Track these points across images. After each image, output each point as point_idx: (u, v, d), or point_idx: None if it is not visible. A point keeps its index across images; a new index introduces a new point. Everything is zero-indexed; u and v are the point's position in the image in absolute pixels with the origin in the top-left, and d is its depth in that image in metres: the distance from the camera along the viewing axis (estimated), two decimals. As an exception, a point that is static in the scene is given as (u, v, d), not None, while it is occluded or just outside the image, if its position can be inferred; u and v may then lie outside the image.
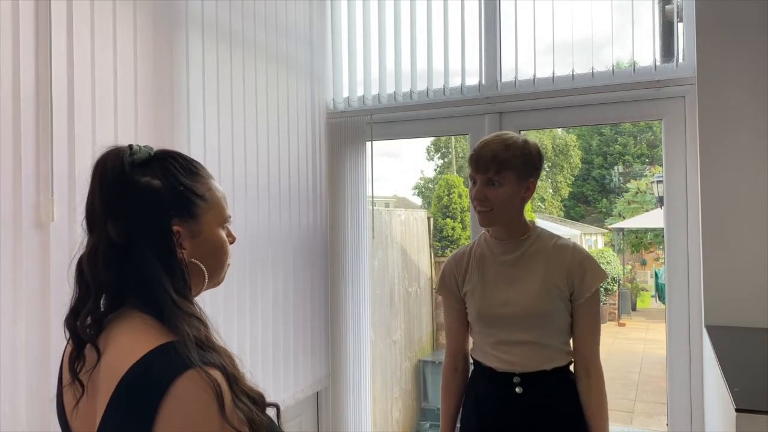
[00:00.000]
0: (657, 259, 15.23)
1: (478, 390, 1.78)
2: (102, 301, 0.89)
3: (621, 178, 19.36)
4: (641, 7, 2.48)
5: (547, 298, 1.67)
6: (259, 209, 2.44)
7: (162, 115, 1.97)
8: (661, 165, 2.64)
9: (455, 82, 2.78)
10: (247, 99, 2.41)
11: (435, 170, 20.48)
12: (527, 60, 2.63)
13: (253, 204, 2.41)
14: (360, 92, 2.99)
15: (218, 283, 1.01)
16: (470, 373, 1.85)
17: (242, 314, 2.32)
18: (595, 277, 1.68)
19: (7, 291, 1.44)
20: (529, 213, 1.99)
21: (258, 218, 2.43)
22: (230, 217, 1.00)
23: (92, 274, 0.88)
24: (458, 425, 1.86)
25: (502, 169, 1.63)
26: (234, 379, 0.83)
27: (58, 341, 1.55)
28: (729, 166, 2.20)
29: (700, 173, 2.25)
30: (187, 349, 0.81)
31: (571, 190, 20.33)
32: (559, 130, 18.94)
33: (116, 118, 1.78)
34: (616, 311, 11.63)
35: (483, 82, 2.72)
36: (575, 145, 20.05)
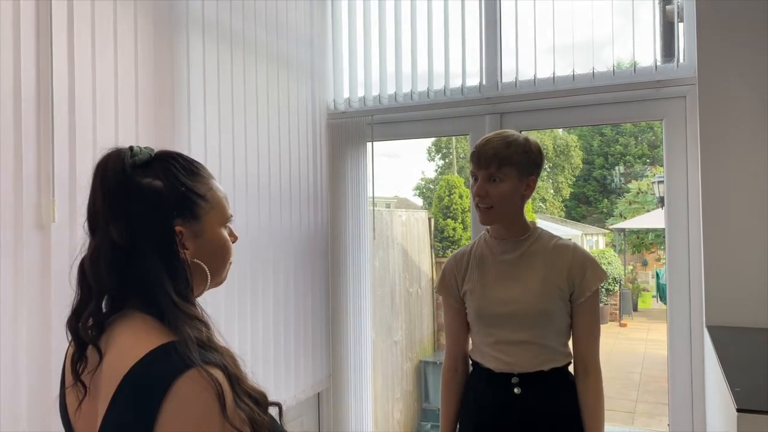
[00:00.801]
0: (658, 260, 15.21)
1: (476, 391, 1.78)
2: (104, 303, 0.89)
3: (622, 179, 19.35)
4: (642, 8, 2.48)
5: (546, 298, 1.67)
6: (259, 210, 2.44)
7: (163, 115, 1.97)
8: (662, 165, 2.64)
9: (456, 82, 2.78)
10: (248, 99, 2.41)
11: (436, 171, 20.48)
12: (528, 60, 2.63)
13: (254, 205, 2.41)
14: (361, 93, 2.99)
15: (220, 283, 1.01)
16: (469, 374, 1.85)
17: (243, 315, 2.32)
18: (595, 277, 1.68)
19: (8, 292, 1.45)
20: (530, 214, 1.99)
21: (259, 219, 2.43)
22: (232, 216, 1.00)
23: (94, 275, 0.88)
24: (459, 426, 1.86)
25: (503, 165, 1.64)
26: (236, 379, 0.83)
27: (59, 342, 1.55)
28: (730, 166, 2.20)
29: (701, 173, 2.24)
30: (189, 349, 0.81)
31: (572, 190, 20.31)
32: (560, 130, 18.94)
33: (117, 119, 1.79)
34: (618, 312, 11.62)
35: (484, 82, 2.72)
36: (576, 146, 20.04)
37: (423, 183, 20.12)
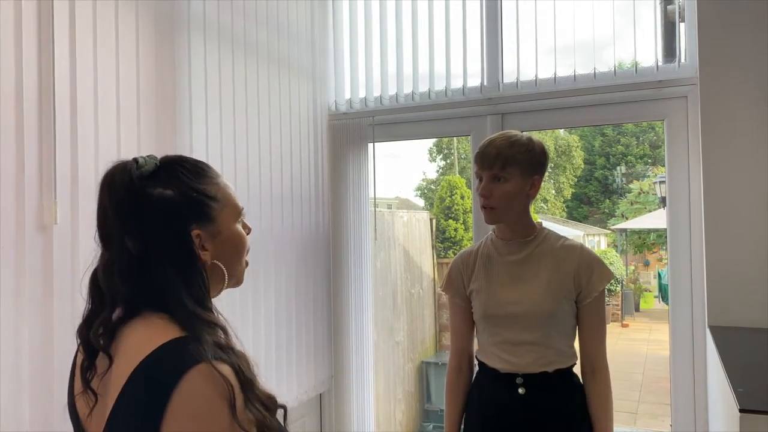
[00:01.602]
0: (660, 260, 15.19)
1: (481, 391, 1.79)
2: (116, 312, 0.89)
3: (624, 179, 19.34)
4: (643, 8, 2.48)
5: (552, 298, 1.67)
6: (261, 211, 2.44)
7: (164, 117, 1.97)
8: (663, 165, 2.64)
9: (457, 83, 2.78)
10: (249, 101, 2.41)
11: (437, 171, 20.47)
12: (529, 61, 2.63)
13: (256, 206, 2.41)
14: (362, 94, 2.99)
15: (239, 283, 1.02)
16: (474, 375, 1.85)
17: (245, 316, 2.32)
18: (602, 278, 1.69)
19: (10, 293, 1.45)
20: (532, 214, 1.98)
21: (260, 220, 2.43)
22: (243, 208, 1.01)
23: (108, 286, 0.88)
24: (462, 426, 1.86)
25: (507, 165, 1.65)
26: (249, 383, 0.83)
27: (61, 343, 1.55)
28: (732, 166, 2.19)
29: (702, 173, 2.24)
30: (200, 345, 0.82)
31: (573, 191, 20.30)
32: (562, 131, 18.93)
33: (119, 121, 1.79)
34: (620, 312, 11.61)
35: (485, 83, 2.72)
36: (578, 146, 20.03)
37: (424, 184, 20.12)
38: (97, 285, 0.90)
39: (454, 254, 8.78)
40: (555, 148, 19.30)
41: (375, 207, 3.06)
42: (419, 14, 2.86)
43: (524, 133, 1.76)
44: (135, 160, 0.91)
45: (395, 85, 2.91)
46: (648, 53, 2.45)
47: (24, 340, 1.47)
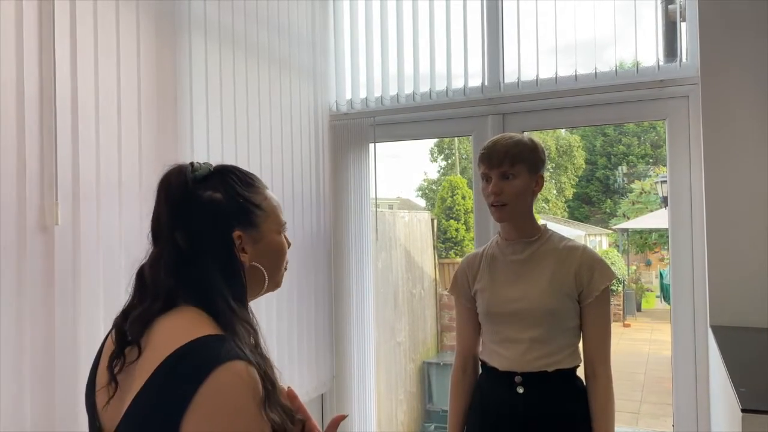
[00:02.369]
0: (662, 260, 15.18)
1: (483, 390, 1.80)
2: (154, 305, 0.92)
3: (625, 179, 19.32)
4: (644, 7, 2.48)
5: (554, 296, 1.68)
6: (262, 211, 2.44)
7: (165, 117, 1.98)
8: (665, 165, 2.63)
9: (458, 83, 2.78)
10: (250, 101, 2.41)
11: (438, 172, 20.46)
12: (530, 61, 2.63)
13: (257, 206, 2.41)
14: (363, 94, 2.99)
15: (277, 286, 1.07)
16: (479, 375, 1.86)
17: (246, 316, 2.32)
18: (603, 277, 1.69)
19: (12, 294, 1.45)
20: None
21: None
22: (285, 222, 1.07)
23: (153, 279, 0.93)
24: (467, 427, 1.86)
25: (516, 163, 1.69)
26: (272, 388, 0.86)
27: (63, 344, 1.56)
28: (733, 165, 2.19)
29: (704, 173, 2.24)
30: (236, 343, 0.85)
31: (575, 190, 20.28)
32: (563, 130, 18.91)
33: (119, 121, 1.79)
34: (621, 312, 11.59)
35: (486, 83, 2.72)
36: (579, 146, 20.01)
37: (425, 184, 20.11)
38: (142, 279, 0.95)
39: (456, 254, 8.80)
40: (556, 148, 19.29)
41: (376, 207, 3.06)
42: (420, 14, 2.86)
43: (523, 133, 1.78)
44: (191, 164, 0.98)
45: (396, 85, 2.91)
46: (649, 53, 2.45)
47: (25, 340, 1.47)
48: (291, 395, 1.02)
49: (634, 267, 15.56)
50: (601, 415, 1.68)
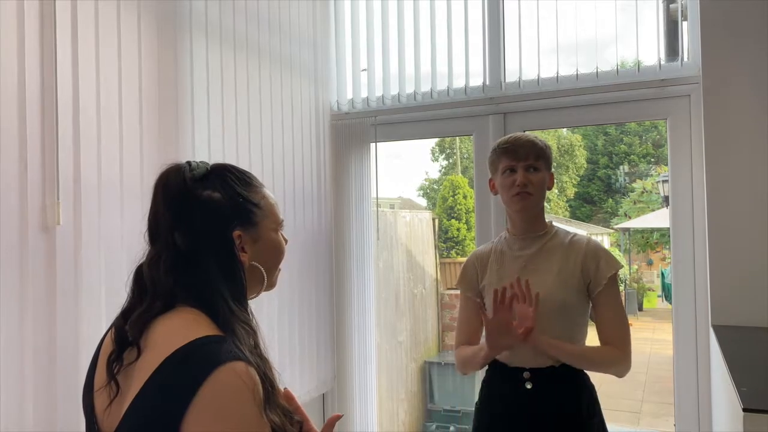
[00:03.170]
0: (663, 259, 15.16)
1: (490, 385, 1.82)
2: (154, 305, 0.92)
3: (626, 178, 19.30)
4: (645, 7, 2.47)
5: (562, 289, 1.70)
6: (263, 211, 2.44)
7: (167, 117, 1.98)
8: (666, 164, 2.63)
9: (459, 82, 2.78)
10: (251, 101, 2.41)
11: (440, 171, 20.45)
12: (531, 60, 2.63)
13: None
14: (364, 94, 2.99)
15: (272, 286, 1.06)
16: (485, 372, 1.87)
17: (248, 316, 2.32)
18: (609, 265, 1.72)
19: (14, 294, 1.45)
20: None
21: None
22: (283, 220, 1.07)
23: (152, 279, 0.92)
24: (468, 425, 1.87)
25: (539, 157, 1.77)
26: (272, 390, 0.87)
27: (64, 344, 1.56)
28: (735, 164, 2.19)
29: (705, 172, 2.24)
30: (239, 345, 0.85)
31: (576, 190, 20.26)
32: (564, 130, 18.88)
33: (121, 121, 1.79)
34: (623, 311, 11.57)
35: (487, 82, 2.72)
36: (580, 145, 19.99)
37: (427, 184, 20.11)
38: (140, 280, 0.94)
39: (457, 254, 8.79)
40: (558, 148, 19.27)
41: (377, 207, 3.06)
42: (421, 13, 2.86)
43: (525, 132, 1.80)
44: (188, 163, 0.98)
45: (397, 84, 2.91)
46: (650, 52, 2.45)
47: (27, 340, 1.48)
48: (288, 396, 1.02)
49: (636, 266, 15.55)
50: (589, 348, 1.70)
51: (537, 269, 1.75)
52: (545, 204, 1.87)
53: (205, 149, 2.13)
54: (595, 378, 1.77)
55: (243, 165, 2.40)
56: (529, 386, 1.69)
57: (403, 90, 2.89)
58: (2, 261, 1.42)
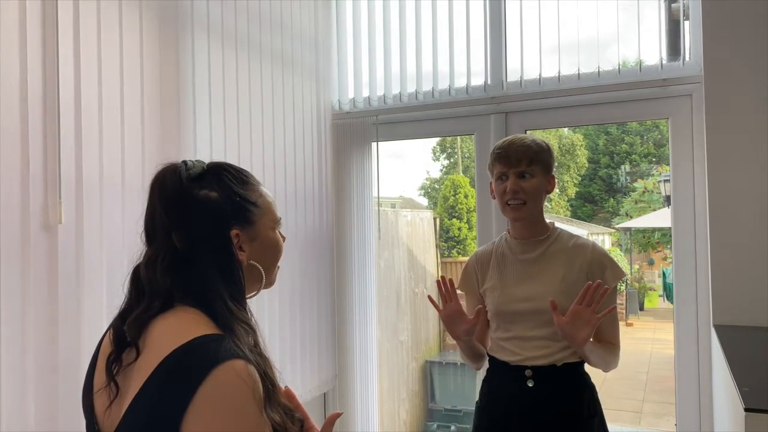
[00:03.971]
0: (665, 259, 15.15)
1: (492, 383, 1.82)
2: (152, 306, 0.91)
3: (628, 178, 19.28)
4: (647, 6, 2.47)
5: (565, 295, 1.69)
6: (265, 210, 2.44)
7: (168, 116, 1.98)
8: (667, 164, 2.63)
9: (461, 82, 2.78)
10: (253, 100, 2.41)
11: (441, 171, 20.44)
12: (533, 59, 2.63)
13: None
14: (365, 93, 2.99)
15: (271, 284, 1.07)
16: (486, 370, 1.87)
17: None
18: (614, 276, 1.73)
19: (15, 293, 1.45)
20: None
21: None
22: (280, 218, 1.06)
23: (149, 279, 0.92)
24: (469, 425, 1.87)
25: (532, 163, 1.72)
26: (272, 388, 0.87)
27: (66, 343, 1.56)
28: (736, 164, 2.18)
29: (707, 172, 2.23)
30: (237, 343, 0.85)
31: (577, 189, 20.24)
32: (566, 129, 18.87)
33: (123, 121, 1.79)
34: (624, 311, 11.57)
35: (488, 82, 2.72)
36: (581, 145, 19.97)
37: (428, 183, 20.10)
38: (137, 280, 0.94)
39: (458, 253, 8.80)
40: (559, 147, 19.26)
41: (378, 206, 3.06)
42: (422, 13, 2.86)
43: (526, 133, 1.79)
44: (184, 162, 0.97)
45: (399, 84, 2.91)
46: (652, 51, 2.45)
47: (29, 339, 1.48)
48: (289, 394, 1.02)
49: (637, 266, 15.54)
50: (603, 347, 1.71)
51: (539, 274, 1.74)
52: (546, 204, 1.87)
53: (207, 148, 2.13)
54: (597, 377, 1.77)
55: (244, 164, 2.41)
56: (530, 384, 1.70)
57: (404, 89, 2.89)
58: (4, 260, 1.42)
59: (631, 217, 15.47)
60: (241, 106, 2.34)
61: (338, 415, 1.06)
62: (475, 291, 1.87)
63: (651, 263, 16.09)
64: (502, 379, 1.78)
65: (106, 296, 1.68)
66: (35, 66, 1.53)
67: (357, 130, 2.98)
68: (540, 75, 2.62)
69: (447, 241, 8.80)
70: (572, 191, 20.03)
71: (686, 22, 2.44)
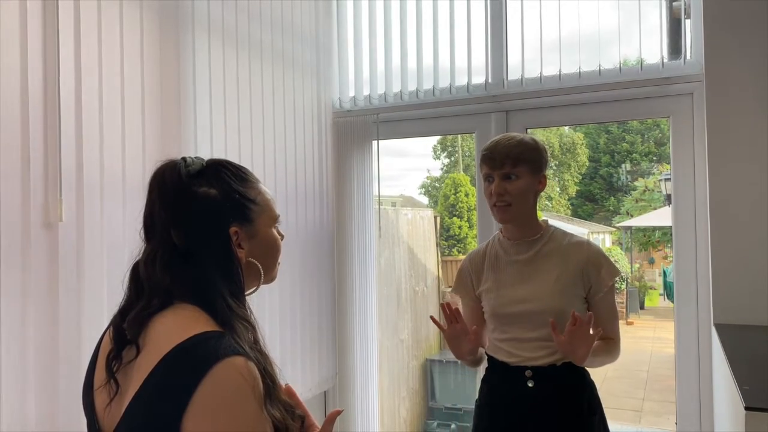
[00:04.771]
0: (665, 258, 15.16)
1: (491, 384, 1.81)
2: (151, 303, 0.91)
3: (628, 177, 19.28)
4: (648, 4, 2.47)
5: (561, 295, 1.69)
6: (265, 209, 2.44)
7: (169, 115, 1.98)
8: (668, 163, 2.63)
9: (461, 80, 2.78)
10: (253, 99, 2.41)
11: (441, 169, 20.44)
12: (534, 58, 2.62)
13: (260, 203, 2.41)
14: (366, 91, 2.99)
15: (272, 280, 1.07)
16: (485, 370, 1.87)
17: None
18: (609, 274, 1.72)
19: (16, 291, 1.45)
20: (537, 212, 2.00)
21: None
22: (279, 216, 1.06)
23: (148, 276, 0.92)
24: (470, 423, 1.87)
25: (518, 163, 1.69)
26: (273, 385, 0.87)
27: (67, 340, 1.56)
28: (737, 163, 2.18)
29: (708, 171, 2.23)
30: (238, 340, 0.85)
31: (578, 188, 20.24)
32: (566, 128, 18.87)
33: (123, 119, 1.79)
34: (624, 310, 11.57)
35: (489, 80, 2.72)
36: (582, 144, 19.97)
37: (428, 181, 20.10)
38: (136, 277, 0.94)
39: (459, 252, 8.80)
40: (560, 146, 19.25)
41: (379, 205, 3.06)
42: (423, 11, 2.86)
43: (527, 131, 1.78)
44: (183, 159, 0.97)
45: (399, 82, 2.90)
46: (653, 50, 2.44)
47: (29, 337, 1.48)
48: (289, 392, 1.02)
49: (638, 265, 15.55)
50: (607, 346, 1.72)
51: (535, 276, 1.73)
52: (547, 203, 1.86)
53: (207, 147, 2.13)
54: (597, 376, 1.77)
55: (245, 162, 2.41)
56: (531, 384, 1.69)
57: (405, 87, 2.89)
58: (4, 257, 1.42)
59: (632, 216, 15.48)
60: (241, 105, 2.34)
61: (339, 413, 1.06)
62: (471, 294, 1.87)
63: (651, 262, 16.10)
64: (501, 379, 1.77)
65: (106, 294, 1.68)
66: (36, 63, 1.53)
67: (357, 129, 2.98)
68: (541, 73, 2.61)
69: (447, 239, 8.80)
70: (573, 190, 20.03)
71: (687, 21, 2.44)
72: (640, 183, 16.71)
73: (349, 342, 2.99)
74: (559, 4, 2.57)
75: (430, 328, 5.98)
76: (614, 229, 17.17)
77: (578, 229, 12.99)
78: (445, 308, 1.71)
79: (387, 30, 2.93)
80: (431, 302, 6.12)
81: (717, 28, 2.23)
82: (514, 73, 2.69)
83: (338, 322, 3.00)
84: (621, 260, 12.74)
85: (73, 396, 1.54)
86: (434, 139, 19.64)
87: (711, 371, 2.33)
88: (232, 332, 0.87)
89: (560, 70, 2.58)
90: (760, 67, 2.16)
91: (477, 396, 1.89)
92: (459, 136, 15.69)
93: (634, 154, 19.53)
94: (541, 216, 1.86)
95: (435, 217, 6.64)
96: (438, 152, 20.44)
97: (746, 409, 1.26)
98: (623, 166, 19.67)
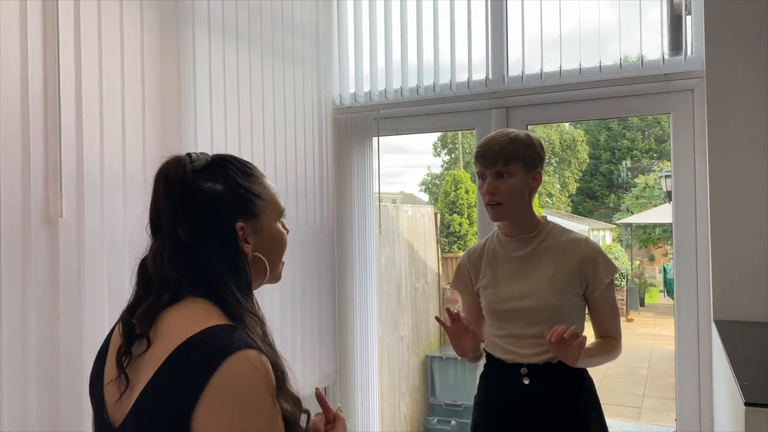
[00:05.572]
0: (665, 255, 15.16)
1: (488, 381, 1.82)
2: (161, 298, 0.91)
3: (629, 173, 19.28)
4: (649, 1, 2.46)
5: (558, 292, 1.69)
6: (266, 205, 2.44)
7: (169, 111, 1.98)
8: (669, 160, 2.63)
9: (462, 76, 2.77)
10: (254, 95, 2.41)
11: (442, 166, 20.44)
12: (534, 54, 2.62)
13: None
14: (366, 88, 2.98)
15: (277, 279, 1.07)
16: (483, 367, 1.87)
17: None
18: (607, 271, 1.71)
19: (17, 287, 1.45)
20: (537, 209, 2.00)
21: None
22: (284, 209, 1.06)
23: (157, 272, 0.92)
24: (469, 420, 1.88)
25: (510, 161, 1.67)
26: (283, 379, 0.87)
27: (67, 337, 1.56)
28: (738, 160, 2.18)
29: (708, 168, 2.23)
30: (250, 334, 0.86)
31: (578, 185, 20.24)
32: (567, 125, 18.87)
33: (124, 115, 1.79)
34: (625, 307, 11.58)
35: (490, 76, 2.71)
36: (583, 140, 19.96)
37: (429, 178, 20.10)
38: (145, 273, 0.94)
39: (459, 249, 8.79)
40: (560, 143, 19.25)
41: (379, 201, 3.06)
42: (424, 7, 2.85)
43: (527, 127, 1.77)
44: (188, 155, 0.97)
45: (400, 78, 2.90)
46: (654, 46, 2.44)
47: (30, 334, 1.48)
48: (320, 397, 1.09)
49: (638, 262, 15.55)
50: (605, 345, 1.71)
51: (532, 272, 1.72)
52: (547, 199, 1.86)
53: (208, 143, 2.13)
54: (596, 373, 1.77)
55: (245, 159, 2.40)
56: (526, 382, 1.69)
57: (405, 84, 2.89)
58: (5, 254, 1.43)
59: (632, 213, 15.48)
60: (241, 101, 2.33)
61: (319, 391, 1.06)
62: (470, 290, 1.87)
63: (652, 259, 16.10)
64: (498, 376, 1.78)
65: (107, 290, 1.68)
66: (36, 60, 1.53)
67: (358, 125, 2.97)
68: (541, 69, 2.61)
69: (448, 236, 8.80)
70: (573, 187, 20.03)
71: (688, 17, 2.43)
72: (640, 180, 16.70)
73: (349, 338, 2.99)
74: (559, 0, 2.56)
75: (430, 324, 5.99)
76: (614, 226, 17.18)
77: (578, 226, 13.00)
78: (449, 311, 1.72)
79: (387, 26, 2.92)
80: (431, 299, 6.13)
81: (718, 24, 2.22)
82: (514, 70, 2.69)
83: (338, 318, 3.00)
84: (621, 257, 12.74)
85: (74, 392, 1.55)
86: (434, 136, 19.66)
87: (711, 368, 2.33)
88: (243, 326, 0.87)
89: (561, 67, 2.58)
90: (761, 63, 2.16)
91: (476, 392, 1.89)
92: (459, 132, 15.69)
93: (634, 151, 19.53)
94: (542, 213, 1.85)
95: (435, 214, 6.64)
96: (438, 149, 20.45)
97: (746, 404, 1.26)
98: (624, 163, 19.67)
